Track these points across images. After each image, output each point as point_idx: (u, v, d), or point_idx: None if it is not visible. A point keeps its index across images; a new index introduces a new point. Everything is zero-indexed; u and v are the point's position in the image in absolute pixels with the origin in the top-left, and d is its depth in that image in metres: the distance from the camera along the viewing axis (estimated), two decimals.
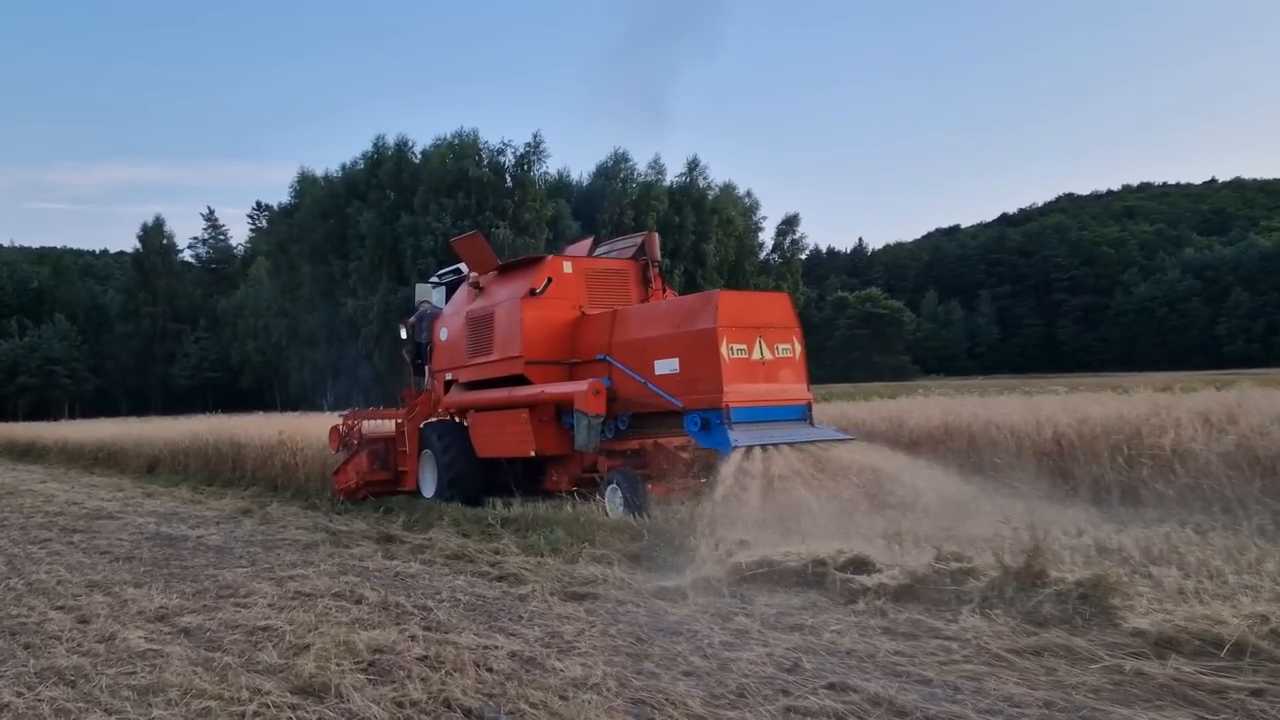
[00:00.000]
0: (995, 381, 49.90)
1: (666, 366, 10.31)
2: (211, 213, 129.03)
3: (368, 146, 71.64)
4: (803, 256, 78.93)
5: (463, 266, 13.99)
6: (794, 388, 10.34)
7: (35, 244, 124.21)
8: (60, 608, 7.86)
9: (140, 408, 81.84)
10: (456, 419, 13.78)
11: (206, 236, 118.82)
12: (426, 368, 14.36)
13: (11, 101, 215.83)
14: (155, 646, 6.35)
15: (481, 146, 67.61)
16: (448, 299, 14.48)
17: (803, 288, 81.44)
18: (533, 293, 11.80)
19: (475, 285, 13.16)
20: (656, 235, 13.20)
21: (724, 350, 9.70)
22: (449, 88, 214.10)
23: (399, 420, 14.49)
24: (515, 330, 11.81)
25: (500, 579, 8.23)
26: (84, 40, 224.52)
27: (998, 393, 17.39)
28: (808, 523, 8.79)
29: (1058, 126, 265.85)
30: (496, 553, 9.34)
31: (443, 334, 13.72)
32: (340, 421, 14.99)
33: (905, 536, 7.86)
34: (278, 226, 78.85)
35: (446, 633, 6.37)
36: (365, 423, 15.08)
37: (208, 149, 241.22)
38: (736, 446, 9.24)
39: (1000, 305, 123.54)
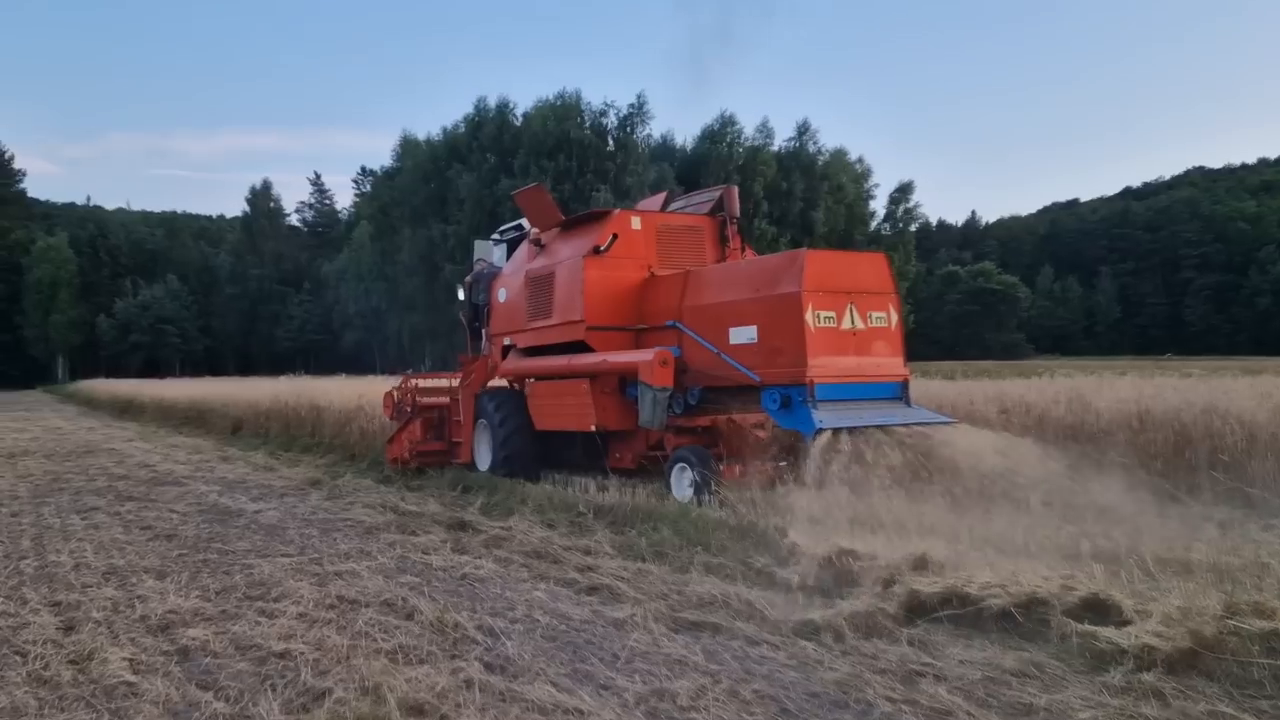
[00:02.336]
0: (1119, 363, 46.11)
1: (743, 335, 9.13)
2: (318, 177, 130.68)
3: (469, 109, 70.82)
4: (914, 227, 74.66)
5: (525, 223, 12.76)
6: (889, 362, 9.02)
7: (157, 209, 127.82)
8: (55, 605, 6.43)
9: (247, 368, 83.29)
10: (515, 387, 12.71)
11: (313, 201, 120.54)
12: (484, 331, 13.26)
13: (139, 69, 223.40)
14: (133, 678, 4.81)
15: (584, 108, 65.96)
16: (509, 258, 13.28)
17: (914, 260, 77.63)
18: (596, 250, 10.63)
19: (536, 242, 12.05)
20: (736, 189, 11.86)
21: (809, 317, 8.47)
22: (553, 48, 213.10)
23: (453, 387, 13.41)
24: (576, 292, 10.70)
25: (591, 591, 6.49)
26: (205, 11, 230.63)
27: (1138, 374, 14.93)
28: (969, 529, 6.95)
29: (1186, 96, 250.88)
30: (587, 553, 7.63)
31: (501, 295, 12.65)
32: (396, 386, 13.95)
33: (1127, 561, 5.79)
34: (379, 190, 78.74)
35: (514, 678, 4.65)
36: (420, 388, 13.89)
37: (318, 117, 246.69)
38: (821, 429, 7.98)
39: (1122, 283, 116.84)
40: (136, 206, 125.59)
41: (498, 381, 13.06)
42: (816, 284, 8.61)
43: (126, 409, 35.84)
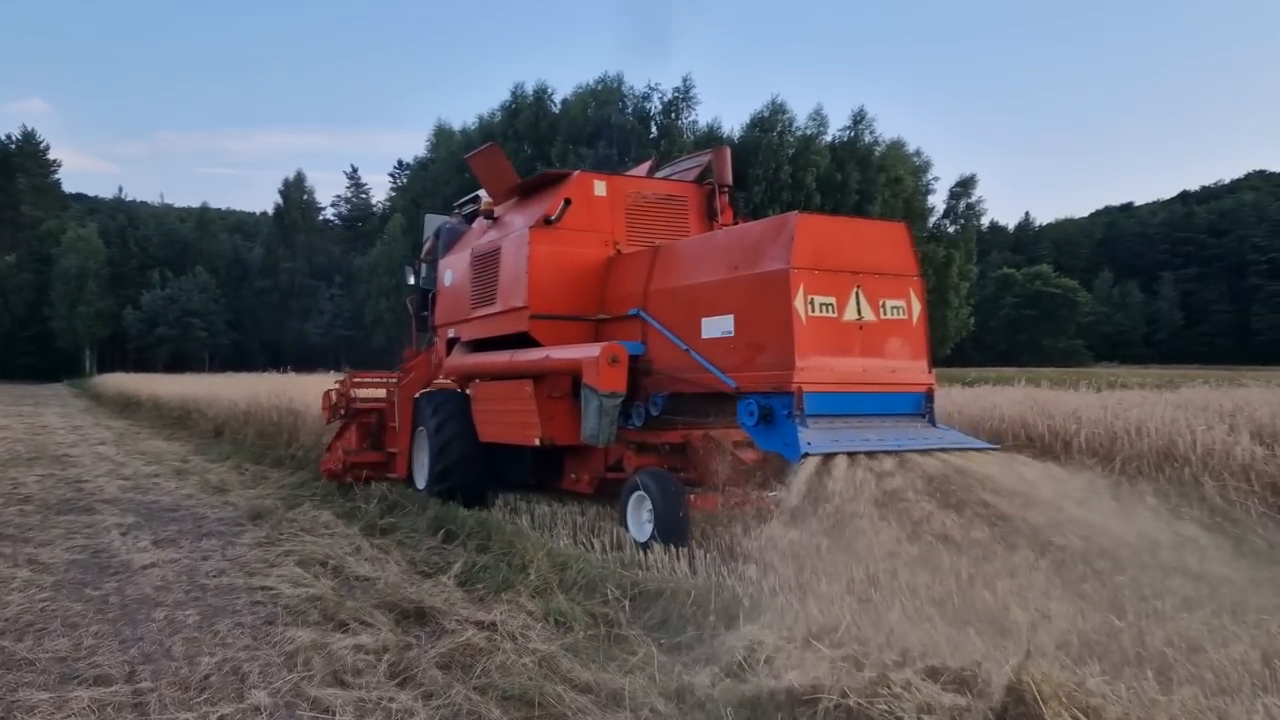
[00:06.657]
0: (1193, 370, 41.80)
1: (717, 326, 7.35)
2: (355, 170, 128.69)
3: (506, 97, 67.67)
4: (977, 224, 70.12)
5: (483, 193, 10.87)
6: (907, 366, 7.10)
7: (197, 204, 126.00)
8: None
9: (276, 363, 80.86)
10: (461, 389, 10.81)
11: (349, 195, 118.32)
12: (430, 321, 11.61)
13: (191, 72, 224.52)
14: None
15: (626, 92, 62.53)
16: None
17: (975, 260, 73.09)
18: (547, 221, 8.78)
19: (488, 215, 10.34)
20: (728, 151, 10.14)
21: (799, 304, 6.67)
22: (597, 32, 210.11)
23: (389, 387, 11.67)
24: (521, 272, 8.90)
25: None
26: (252, 15, 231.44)
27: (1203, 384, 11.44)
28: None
29: (1248, 97, 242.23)
30: (617, 703, 4.20)
31: (447, 278, 10.88)
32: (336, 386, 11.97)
33: None
34: (413, 181, 75.97)
35: None
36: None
37: (360, 116, 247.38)
38: (809, 454, 6.10)
39: (1185, 289, 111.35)
40: (180, 203, 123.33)
41: (445, 382, 11.06)
42: (810, 260, 6.77)
43: (127, 406, 33.32)
